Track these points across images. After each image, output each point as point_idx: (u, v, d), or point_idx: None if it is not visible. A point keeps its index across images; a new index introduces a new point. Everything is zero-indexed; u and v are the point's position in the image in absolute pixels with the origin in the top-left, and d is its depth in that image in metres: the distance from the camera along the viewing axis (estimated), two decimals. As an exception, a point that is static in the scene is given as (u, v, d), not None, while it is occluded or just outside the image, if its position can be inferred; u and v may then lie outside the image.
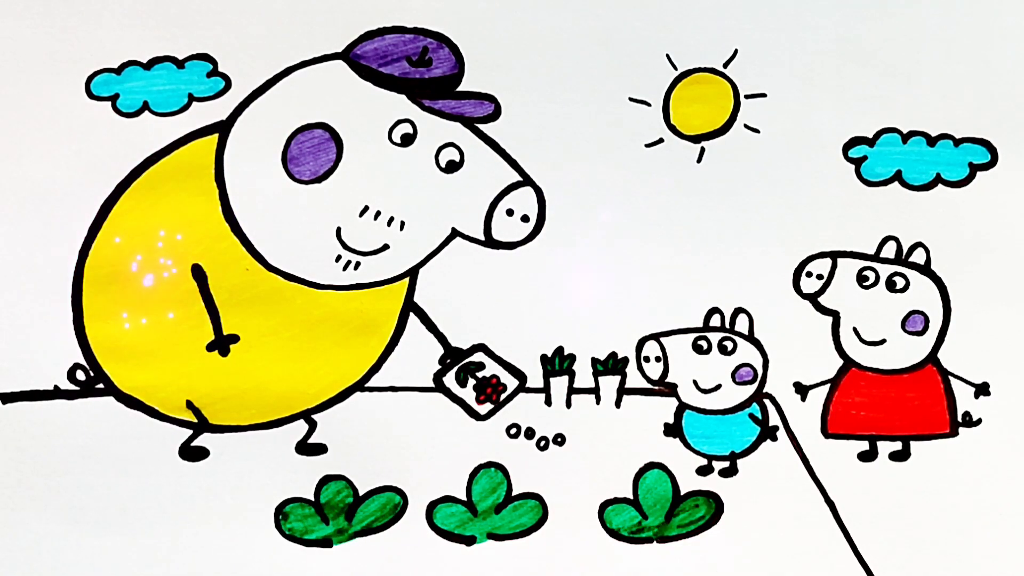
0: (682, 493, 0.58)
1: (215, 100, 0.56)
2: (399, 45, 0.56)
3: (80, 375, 0.56)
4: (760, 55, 0.57)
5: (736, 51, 0.57)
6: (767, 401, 0.58)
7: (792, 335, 0.58)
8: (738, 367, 0.58)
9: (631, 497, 0.58)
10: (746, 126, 0.57)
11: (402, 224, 0.56)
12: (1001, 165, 0.57)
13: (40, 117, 0.56)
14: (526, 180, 0.57)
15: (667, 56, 0.57)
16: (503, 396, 0.58)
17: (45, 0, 0.56)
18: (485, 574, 0.58)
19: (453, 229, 0.57)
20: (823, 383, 0.58)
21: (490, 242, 0.57)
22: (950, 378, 0.58)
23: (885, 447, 0.58)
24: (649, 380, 0.58)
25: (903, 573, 0.58)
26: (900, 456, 0.58)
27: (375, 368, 0.57)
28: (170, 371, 0.57)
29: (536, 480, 0.58)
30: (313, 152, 0.56)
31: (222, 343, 0.57)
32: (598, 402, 0.58)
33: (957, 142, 0.57)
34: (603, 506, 0.58)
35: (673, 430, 0.58)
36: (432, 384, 0.57)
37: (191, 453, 0.57)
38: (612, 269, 0.57)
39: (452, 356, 0.57)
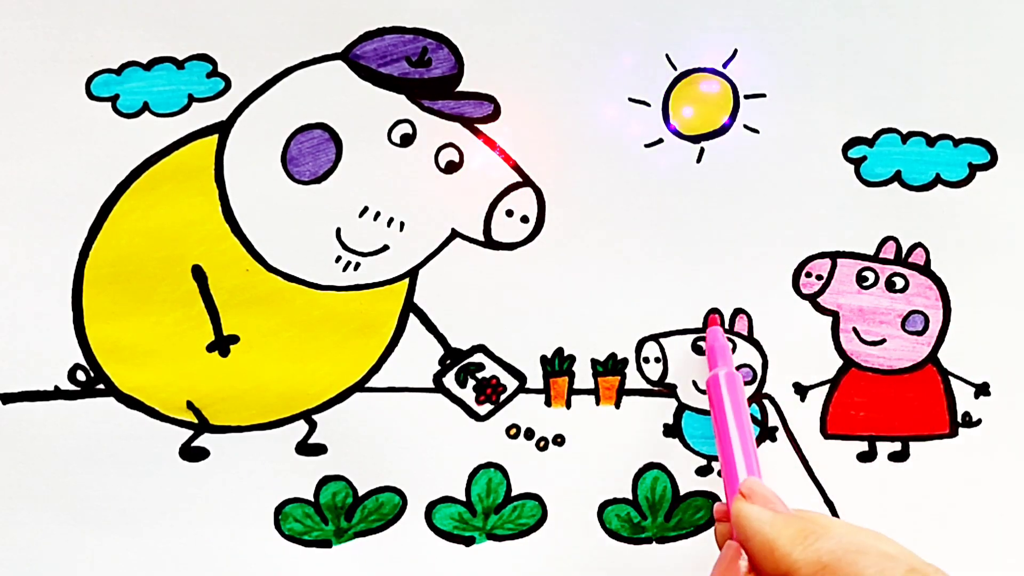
0: (681, 493, 0.58)
1: (215, 100, 0.56)
2: (399, 45, 0.56)
3: (80, 375, 0.57)
4: (760, 55, 0.57)
5: (736, 51, 0.57)
6: (766, 401, 0.58)
7: (792, 336, 0.58)
8: (738, 368, 0.58)
9: (630, 497, 0.58)
10: (746, 126, 0.57)
11: (402, 225, 0.56)
12: (1001, 165, 0.57)
13: (40, 117, 0.56)
14: (526, 180, 0.57)
15: (667, 56, 0.57)
16: (503, 397, 0.58)
17: (45, 0, 0.56)
18: (484, 574, 0.58)
19: (453, 230, 0.57)
20: (823, 383, 0.58)
21: (490, 243, 0.57)
22: (950, 378, 0.58)
23: (884, 447, 0.58)
24: (648, 381, 0.58)
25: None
26: (899, 457, 0.58)
27: (375, 368, 0.57)
28: (170, 371, 0.57)
29: (536, 480, 0.58)
30: (313, 152, 0.56)
31: (222, 343, 0.57)
32: (597, 402, 0.58)
33: (956, 142, 0.57)
34: (603, 506, 0.58)
35: (672, 431, 0.58)
36: (432, 385, 0.58)
37: (191, 453, 0.57)
38: (612, 269, 0.57)
39: (452, 357, 0.57)
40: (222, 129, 0.56)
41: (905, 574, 0.37)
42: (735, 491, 0.47)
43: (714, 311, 0.57)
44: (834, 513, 0.58)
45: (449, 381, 0.57)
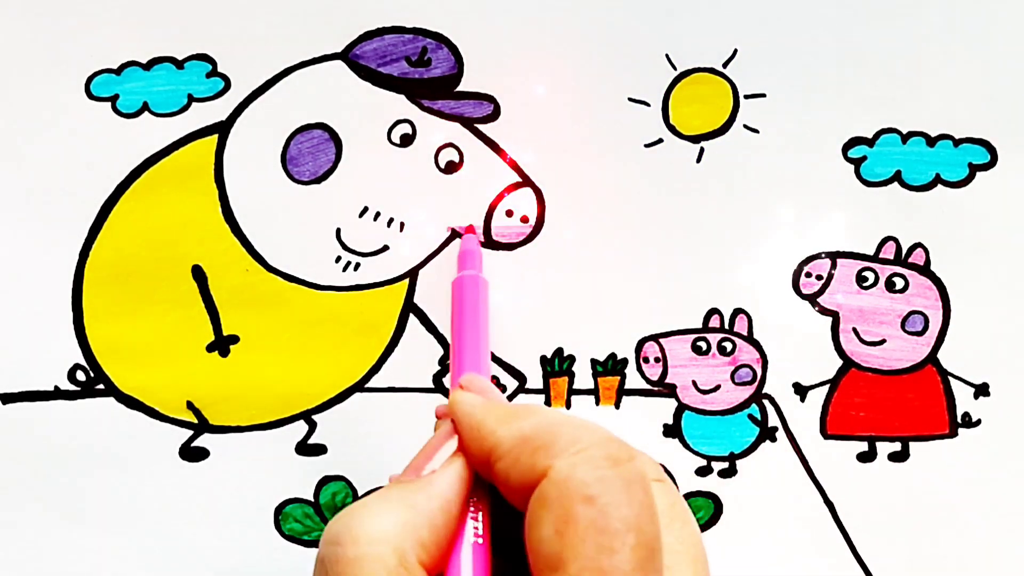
0: (681, 494, 0.58)
1: (215, 100, 0.56)
2: (398, 45, 0.56)
3: (80, 375, 0.57)
4: (760, 55, 0.57)
5: (736, 51, 0.57)
6: (766, 402, 0.58)
7: (792, 336, 0.58)
8: (737, 368, 0.58)
9: (630, 498, 0.58)
10: (746, 126, 0.57)
11: (402, 225, 0.56)
12: (1001, 165, 0.57)
13: (40, 117, 0.56)
14: (526, 180, 0.57)
15: (666, 56, 0.57)
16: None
17: (45, 0, 0.56)
18: (484, 574, 0.58)
19: (453, 230, 0.57)
20: (822, 384, 0.58)
21: (490, 243, 0.57)
22: (949, 379, 0.58)
23: (884, 448, 0.58)
24: (648, 381, 0.58)
25: (902, 574, 0.58)
26: (899, 457, 0.58)
27: (375, 368, 0.57)
28: (170, 371, 0.57)
29: (535, 480, 0.58)
30: (312, 152, 0.56)
31: (222, 343, 0.57)
32: (597, 403, 0.58)
33: (957, 142, 0.57)
34: (602, 506, 0.58)
35: (672, 431, 0.58)
36: (432, 385, 0.57)
37: (191, 453, 0.57)
38: (612, 269, 0.57)
39: (451, 357, 0.57)
40: (222, 129, 0.56)
41: (601, 441, 0.37)
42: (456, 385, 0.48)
43: (469, 229, 0.57)
44: (834, 513, 0.58)
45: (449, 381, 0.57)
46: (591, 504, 0.35)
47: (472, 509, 0.40)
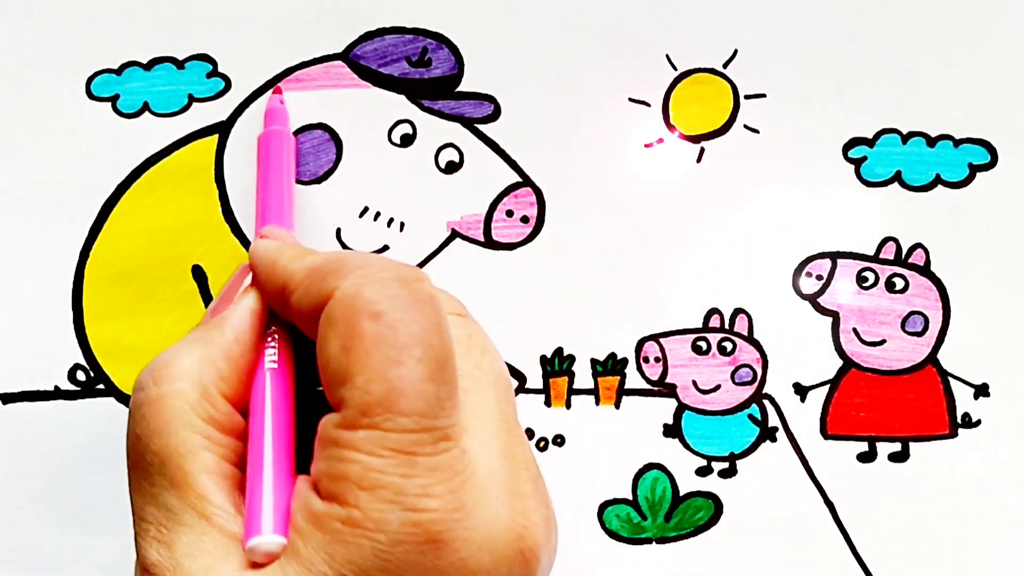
0: (681, 494, 0.58)
1: (215, 100, 0.56)
2: (399, 45, 0.56)
3: (80, 375, 0.57)
4: (760, 55, 0.57)
5: (736, 51, 0.57)
6: (766, 402, 0.58)
7: (792, 336, 0.58)
8: (737, 368, 0.58)
9: (630, 498, 0.58)
10: (746, 126, 0.57)
11: (402, 225, 0.57)
12: (1001, 165, 0.57)
13: (40, 117, 0.56)
14: (526, 180, 0.57)
15: (667, 56, 0.57)
16: (502, 397, 0.57)
17: (45, 0, 0.56)
18: (484, 574, 0.58)
19: (453, 230, 0.57)
20: (823, 384, 0.58)
21: (490, 243, 0.57)
22: (949, 379, 0.58)
23: (884, 448, 0.58)
24: (649, 381, 0.58)
25: (902, 574, 0.58)
26: (899, 457, 0.58)
27: (375, 368, 0.57)
28: (170, 371, 0.57)
29: (535, 480, 0.58)
30: (313, 152, 0.56)
31: (222, 343, 0.57)
32: (597, 402, 0.58)
33: (957, 143, 0.57)
34: (602, 507, 0.58)
35: (672, 431, 0.58)
36: (432, 384, 0.57)
37: (191, 453, 0.57)
38: (612, 269, 0.57)
39: (452, 357, 0.57)
40: (222, 129, 0.56)
41: (390, 265, 0.38)
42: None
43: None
44: (834, 514, 0.58)
45: (449, 381, 0.57)
46: (377, 320, 0.35)
47: (269, 340, 0.42)
